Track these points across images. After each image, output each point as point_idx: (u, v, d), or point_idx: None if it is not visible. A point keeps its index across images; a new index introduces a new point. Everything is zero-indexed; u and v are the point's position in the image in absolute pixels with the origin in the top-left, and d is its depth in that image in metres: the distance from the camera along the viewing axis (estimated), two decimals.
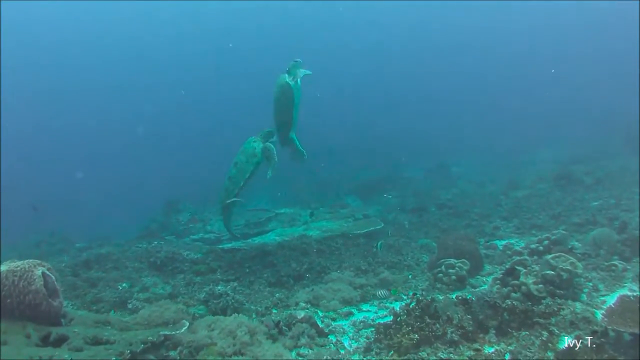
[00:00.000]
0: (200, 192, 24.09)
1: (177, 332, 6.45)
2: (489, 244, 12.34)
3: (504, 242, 12.27)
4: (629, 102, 29.49)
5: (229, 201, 12.11)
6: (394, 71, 61.94)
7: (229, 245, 15.05)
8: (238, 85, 57.69)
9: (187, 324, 6.89)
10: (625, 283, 8.02)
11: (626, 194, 14.41)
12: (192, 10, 58.56)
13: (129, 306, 9.62)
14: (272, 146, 11.73)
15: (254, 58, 57.39)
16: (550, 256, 7.91)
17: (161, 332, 6.19)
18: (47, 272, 5.79)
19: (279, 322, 7.54)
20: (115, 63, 58.94)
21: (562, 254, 7.98)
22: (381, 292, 9.33)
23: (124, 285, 11.02)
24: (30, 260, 5.80)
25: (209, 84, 60.37)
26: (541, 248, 9.75)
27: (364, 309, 9.11)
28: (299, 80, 11.45)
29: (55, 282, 5.89)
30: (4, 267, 5.54)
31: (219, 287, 10.08)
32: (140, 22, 58.42)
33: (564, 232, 10.22)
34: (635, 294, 6.91)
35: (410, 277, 10.63)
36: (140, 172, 40.13)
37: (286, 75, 11.43)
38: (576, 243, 10.69)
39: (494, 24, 60.68)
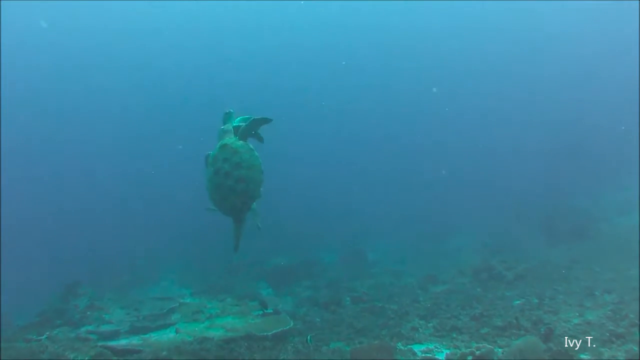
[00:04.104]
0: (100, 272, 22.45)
1: None
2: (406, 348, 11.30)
3: (422, 347, 11.24)
4: (548, 190, 29.42)
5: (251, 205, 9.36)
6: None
7: (125, 340, 13.40)
8: None
9: None
10: None
11: (549, 292, 13.87)
12: None
13: None
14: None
15: None
16: None
17: None
18: None
19: None
20: None
21: None
22: None
23: None
24: None
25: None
26: None
27: None
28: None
29: None
30: None
31: None
32: None
33: (488, 345, 9.34)
34: None
35: None
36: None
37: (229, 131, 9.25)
38: (500, 350, 9.85)
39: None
